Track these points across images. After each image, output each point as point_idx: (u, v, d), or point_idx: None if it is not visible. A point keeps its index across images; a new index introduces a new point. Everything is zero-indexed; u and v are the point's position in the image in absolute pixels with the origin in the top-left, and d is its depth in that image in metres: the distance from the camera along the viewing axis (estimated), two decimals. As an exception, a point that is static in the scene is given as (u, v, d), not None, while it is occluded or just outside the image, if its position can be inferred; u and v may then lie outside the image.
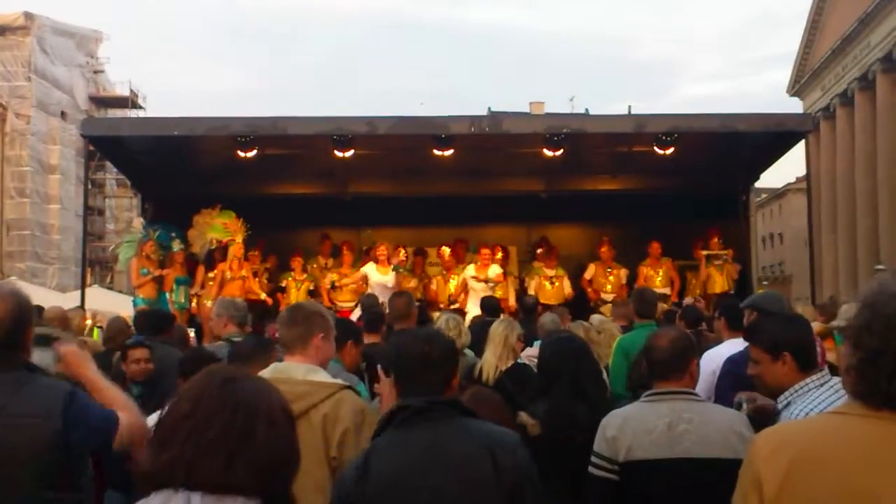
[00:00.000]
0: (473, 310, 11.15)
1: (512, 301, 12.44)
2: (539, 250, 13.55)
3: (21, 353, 3.20)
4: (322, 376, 3.54)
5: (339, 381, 3.58)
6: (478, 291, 11.80)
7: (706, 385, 5.04)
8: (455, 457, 2.68)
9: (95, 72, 49.48)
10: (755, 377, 3.63)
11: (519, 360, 6.12)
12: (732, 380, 4.72)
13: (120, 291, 26.15)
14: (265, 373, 3.62)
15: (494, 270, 12.19)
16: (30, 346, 3.24)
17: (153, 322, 7.00)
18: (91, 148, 13.25)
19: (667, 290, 12.75)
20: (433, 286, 13.06)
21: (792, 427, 2.22)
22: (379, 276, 12.04)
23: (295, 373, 3.50)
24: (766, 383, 3.57)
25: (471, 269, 12.32)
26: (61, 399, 3.04)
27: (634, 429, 3.36)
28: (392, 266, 11.90)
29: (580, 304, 12.38)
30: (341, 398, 3.44)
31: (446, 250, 13.22)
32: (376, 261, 12.22)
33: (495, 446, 2.70)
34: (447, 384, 2.92)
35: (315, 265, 13.47)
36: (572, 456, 3.93)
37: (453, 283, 12.78)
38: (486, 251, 12.39)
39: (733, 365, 4.89)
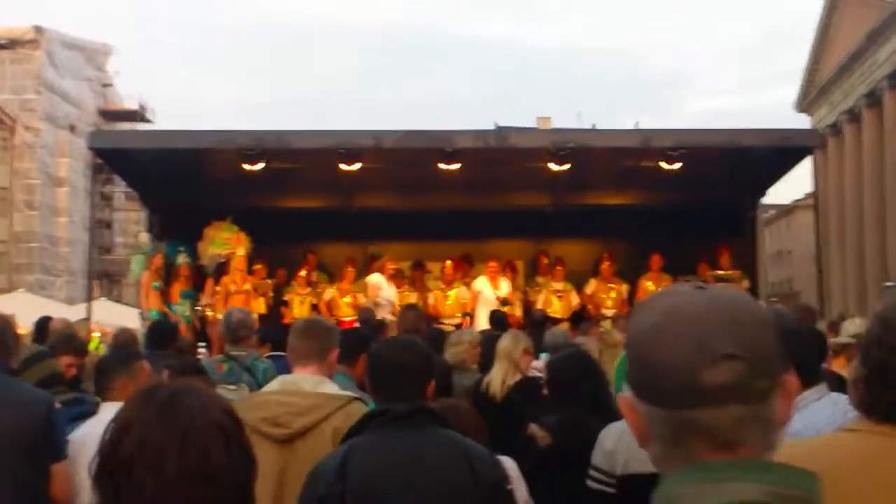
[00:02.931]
0: (483, 323, 11.16)
1: (520, 315, 12.44)
2: (543, 264, 13.53)
3: (4, 361, 3.91)
4: (331, 388, 3.55)
5: (349, 392, 3.57)
6: (490, 304, 11.83)
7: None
8: (436, 463, 2.74)
9: (104, 85, 49.76)
10: None
11: (528, 374, 6.14)
12: None
13: (127, 304, 26.17)
14: (274, 384, 3.66)
15: (505, 287, 12.25)
16: (15, 354, 4.05)
17: (157, 336, 7.18)
18: (98, 161, 13.28)
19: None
20: (430, 300, 13.02)
21: (801, 445, 2.20)
22: (389, 292, 12.19)
23: (305, 385, 3.51)
24: None
25: (482, 282, 12.32)
26: (46, 399, 3.83)
27: (631, 442, 3.32)
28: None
29: (581, 320, 12.34)
30: (351, 411, 3.42)
31: (449, 264, 13.23)
32: (385, 274, 12.34)
33: (473, 456, 2.79)
34: (422, 393, 3.00)
35: (294, 282, 13.25)
36: (583, 469, 3.91)
37: (452, 297, 12.80)
38: (493, 264, 12.46)
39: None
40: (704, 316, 1.18)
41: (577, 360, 4.89)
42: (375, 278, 12.32)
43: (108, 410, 3.82)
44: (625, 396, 1.26)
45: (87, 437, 3.74)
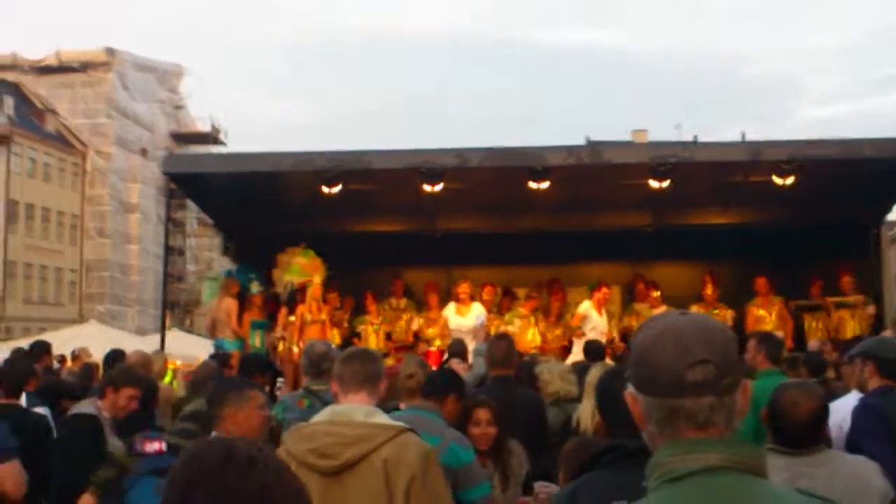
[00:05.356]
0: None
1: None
2: (640, 289, 12.92)
3: None
4: (383, 418, 3.47)
5: (401, 423, 3.48)
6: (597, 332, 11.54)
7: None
8: None
9: (176, 107, 50.02)
10: None
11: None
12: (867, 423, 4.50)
13: (199, 335, 25.78)
14: (323, 414, 3.55)
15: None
16: None
17: (249, 365, 7.62)
18: (172, 186, 13.09)
19: (780, 333, 11.78)
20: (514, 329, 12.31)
21: None
22: (457, 320, 11.68)
23: (355, 415, 3.43)
24: None
25: (587, 307, 11.90)
26: None
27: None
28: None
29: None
30: (404, 442, 3.34)
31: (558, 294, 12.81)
32: (457, 300, 11.86)
33: None
34: None
35: (387, 307, 13.09)
36: None
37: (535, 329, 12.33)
38: (605, 290, 12.06)
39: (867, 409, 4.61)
40: (687, 333, 1.66)
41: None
42: (444, 313, 11.85)
43: None
44: (630, 391, 1.72)
45: None
